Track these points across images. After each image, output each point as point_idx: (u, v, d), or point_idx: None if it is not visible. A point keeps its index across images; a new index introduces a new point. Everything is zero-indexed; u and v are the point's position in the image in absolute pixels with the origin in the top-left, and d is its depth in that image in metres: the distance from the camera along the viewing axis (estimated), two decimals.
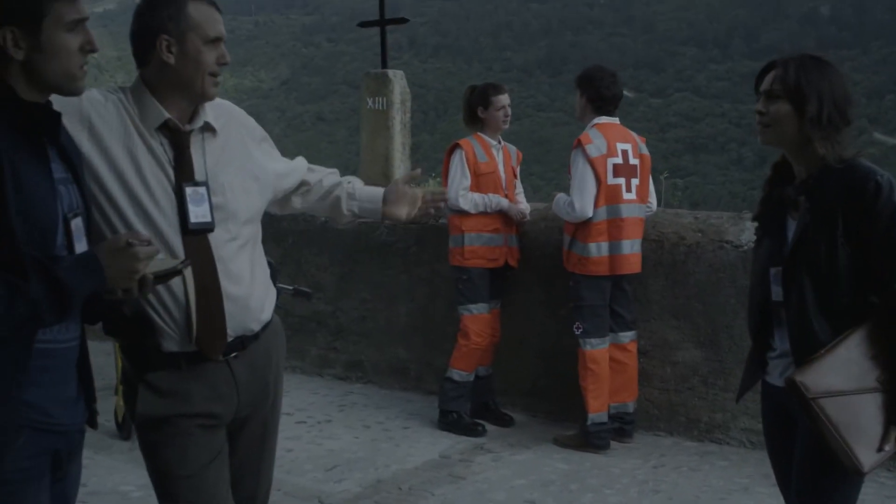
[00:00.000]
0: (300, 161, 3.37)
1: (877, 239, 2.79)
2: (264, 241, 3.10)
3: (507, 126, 6.20)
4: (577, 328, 5.74)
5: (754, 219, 3.19)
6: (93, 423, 2.60)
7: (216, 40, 2.80)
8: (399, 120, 7.95)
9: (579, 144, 5.69)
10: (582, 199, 5.61)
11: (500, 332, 6.26)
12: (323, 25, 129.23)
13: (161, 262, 2.55)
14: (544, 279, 6.29)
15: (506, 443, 5.94)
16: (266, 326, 3.03)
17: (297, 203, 3.36)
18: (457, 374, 6.11)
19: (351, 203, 3.40)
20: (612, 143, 5.70)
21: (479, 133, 6.18)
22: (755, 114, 3.00)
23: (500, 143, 6.24)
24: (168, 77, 2.77)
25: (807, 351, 2.86)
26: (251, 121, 3.14)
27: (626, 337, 5.87)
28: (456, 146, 6.14)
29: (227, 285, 2.84)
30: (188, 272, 2.61)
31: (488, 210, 6.01)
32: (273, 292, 3.10)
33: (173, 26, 2.73)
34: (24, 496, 2.33)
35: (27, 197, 2.22)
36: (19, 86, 2.31)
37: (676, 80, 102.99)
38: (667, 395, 6.00)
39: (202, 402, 2.88)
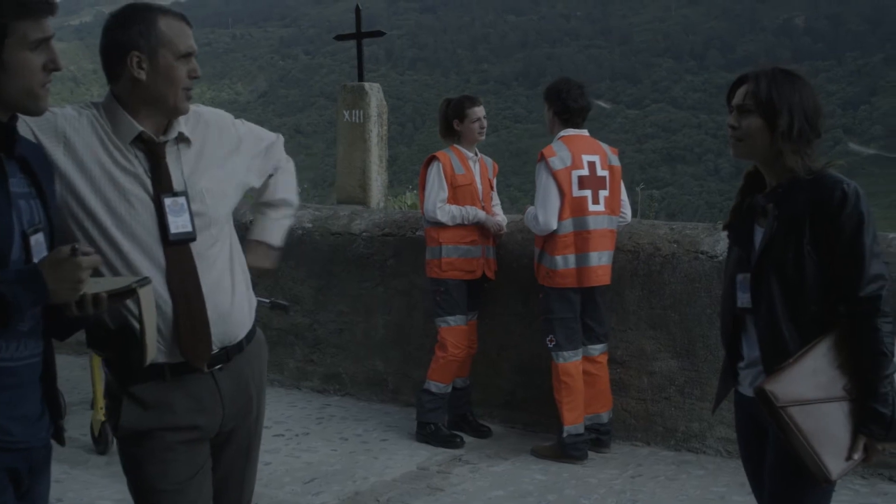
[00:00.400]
0: (275, 178, 3.35)
1: (842, 247, 2.83)
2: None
3: (482, 138, 6.22)
4: (550, 341, 5.75)
5: (725, 227, 3.23)
6: (59, 439, 2.58)
7: (187, 55, 2.80)
8: (376, 133, 7.97)
9: (542, 157, 5.71)
10: (545, 213, 5.62)
11: (478, 343, 6.27)
12: (300, 38, 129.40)
13: (119, 280, 2.55)
14: (522, 291, 6.30)
15: (483, 454, 5.95)
16: (250, 339, 3.04)
17: None
18: (434, 385, 6.12)
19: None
20: (577, 155, 5.70)
21: (455, 145, 6.20)
22: (728, 128, 3.03)
23: (476, 155, 6.26)
24: (140, 92, 2.77)
25: (777, 358, 2.89)
26: (229, 124, 3.12)
27: (596, 350, 5.87)
28: (433, 158, 6.15)
29: (210, 292, 2.84)
30: (144, 291, 2.51)
31: (465, 222, 6.03)
32: (254, 299, 3.11)
33: (144, 42, 2.73)
34: None
35: None
36: None
37: (653, 92, 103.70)
38: (644, 405, 6.03)
39: (187, 415, 2.87)
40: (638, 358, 6.02)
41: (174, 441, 2.86)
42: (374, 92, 8.01)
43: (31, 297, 2.23)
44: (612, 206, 5.82)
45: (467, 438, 6.17)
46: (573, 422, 5.71)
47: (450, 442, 6.08)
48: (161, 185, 2.79)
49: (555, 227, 5.62)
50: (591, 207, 5.70)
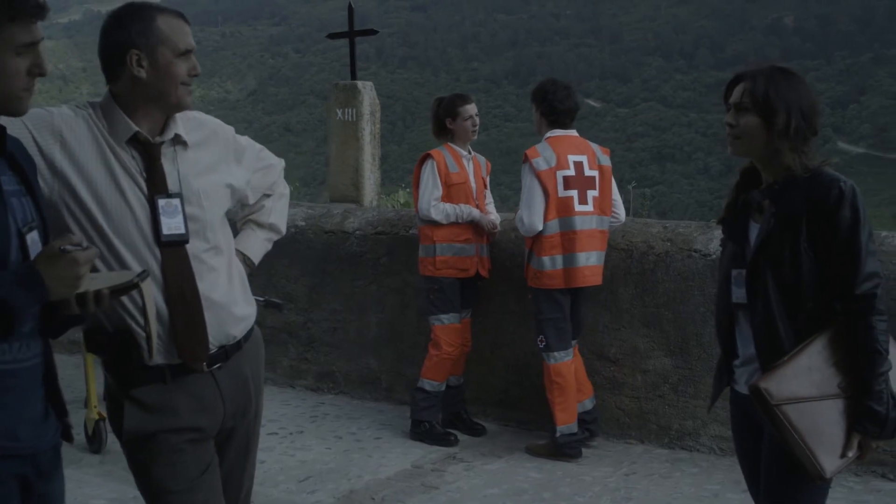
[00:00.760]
0: (271, 202, 3.35)
1: (838, 245, 2.84)
2: None
3: (475, 136, 6.23)
4: (541, 342, 5.76)
5: (719, 222, 3.24)
6: (67, 437, 2.56)
7: (187, 52, 2.80)
8: (369, 131, 7.97)
9: (527, 159, 5.71)
10: (530, 214, 5.62)
11: (472, 341, 6.28)
12: (290, 36, 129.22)
13: (118, 275, 2.54)
14: (515, 289, 6.31)
15: (478, 452, 5.96)
16: (248, 336, 3.05)
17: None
18: (428, 384, 6.12)
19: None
20: (562, 155, 5.70)
21: (449, 143, 6.20)
22: (725, 125, 3.04)
23: (470, 153, 6.27)
24: (140, 91, 2.77)
25: (772, 356, 2.91)
26: (230, 134, 3.12)
27: (573, 343, 5.89)
28: (427, 157, 6.16)
29: (206, 293, 2.85)
30: (146, 284, 2.52)
31: (460, 220, 6.03)
32: (251, 298, 3.11)
33: (143, 41, 2.73)
34: None
35: None
36: None
37: (643, 91, 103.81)
38: (637, 403, 6.04)
39: (189, 416, 2.88)
40: (631, 356, 6.04)
41: (179, 442, 2.87)
42: (367, 90, 8.01)
43: (30, 297, 2.21)
44: (603, 207, 5.82)
45: (461, 436, 6.18)
46: (566, 422, 5.72)
47: (444, 440, 6.08)
48: (155, 185, 2.79)
49: (540, 227, 5.63)
50: (578, 207, 5.69)
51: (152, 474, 2.90)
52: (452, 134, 6.19)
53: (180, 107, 2.83)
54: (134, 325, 2.75)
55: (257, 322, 3.15)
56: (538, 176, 5.63)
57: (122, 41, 2.73)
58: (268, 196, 3.31)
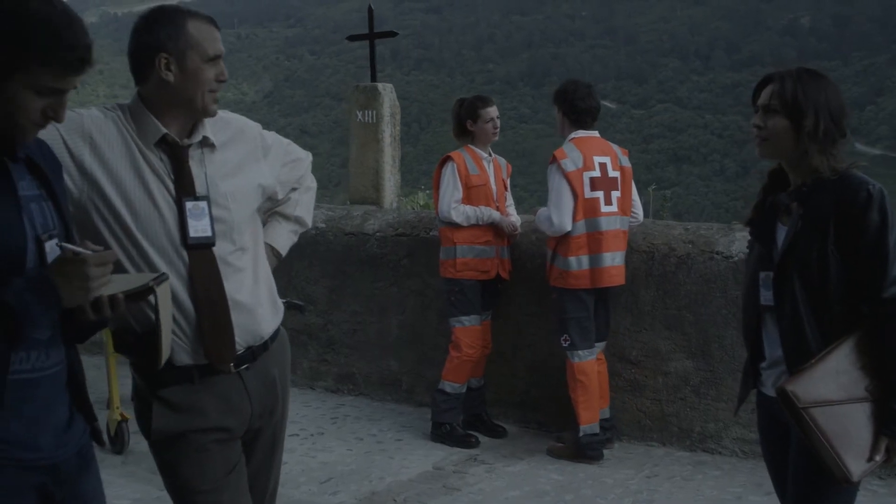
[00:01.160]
0: (298, 195, 3.36)
1: (866, 248, 2.82)
2: None
3: (496, 138, 6.23)
4: (565, 341, 5.76)
5: (747, 223, 3.23)
6: (98, 440, 2.56)
7: (215, 58, 2.81)
8: (389, 133, 7.96)
9: (555, 160, 5.72)
10: (559, 214, 5.63)
11: (492, 343, 6.27)
12: (305, 38, 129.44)
13: (137, 277, 2.52)
14: (536, 291, 6.31)
15: (499, 454, 5.95)
16: (274, 337, 3.06)
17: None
18: (449, 385, 6.13)
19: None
20: (588, 156, 5.72)
21: (469, 145, 6.21)
22: (753, 127, 3.04)
23: (490, 155, 6.27)
24: (167, 94, 2.78)
25: (799, 358, 2.89)
26: (257, 132, 3.12)
27: (599, 346, 5.91)
28: (447, 159, 6.16)
29: (232, 294, 2.85)
30: (161, 289, 2.45)
31: (480, 222, 6.03)
32: (278, 299, 3.12)
33: (172, 45, 2.74)
34: None
35: None
36: None
37: (659, 92, 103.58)
38: (659, 406, 6.03)
39: (217, 416, 2.89)
40: (653, 358, 6.03)
41: (206, 441, 2.88)
42: (387, 92, 8.01)
43: (42, 305, 2.15)
44: (624, 207, 5.85)
45: (482, 438, 6.18)
46: (589, 421, 5.71)
47: (465, 442, 6.08)
48: (183, 188, 2.80)
49: (569, 228, 5.64)
50: (604, 208, 5.73)
51: (179, 474, 2.91)
52: (473, 136, 6.20)
53: (206, 113, 2.84)
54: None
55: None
56: (567, 177, 5.64)
57: (151, 44, 2.74)
58: (294, 189, 3.32)
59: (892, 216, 2.84)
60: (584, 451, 5.73)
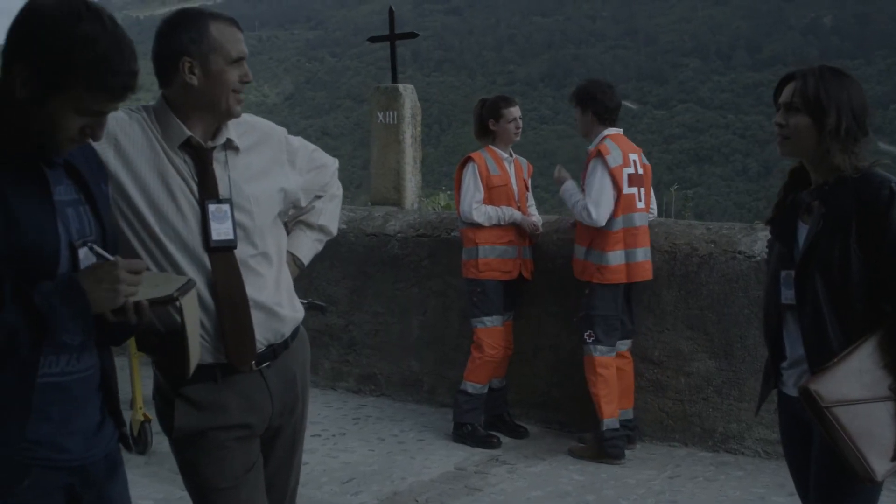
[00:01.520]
0: (322, 203, 3.35)
1: (888, 246, 2.81)
2: None
3: (518, 138, 6.24)
4: (589, 336, 5.76)
5: (768, 222, 3.22)
6: (126, 445, 2.57)
7: (239, 60, 2.82)
8: (410, 134, 7.97)
9: (599, 154, 5.73)
10: (598, 209, 5.64)
11: (514, 344, 6.27)
12: (326, 40, 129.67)
13: (164, 279, 2.53)
14: (557, 291, 6.30)
15: (521, 454, 5.95)
16: (295, 335, 3.07)
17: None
18: (471, 386, 6.13)
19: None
20: (625, 153, 5.78)
21: (490, 146, 6.21)
22: (774, 125, 3.02)
23: (511, 155, 6.27)
24: (191, 97, 2.80)
25: (821, 357, 2.88)
26: (282, 136, 3.12)
27: (625, 345, 5.93)
28: (468, 159, 6.16)
29: (253, 295, 2.87)
30: (187, 298, 2.44)
31: (502, 223, 6.04)
32: (298, 303, 3.13)
33: (195, 48, 2.75)
34: None
35: (19, 226, 2.12)
36: (10, 117, 2.20)
37: (680, 92, 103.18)
38: (681, 406, 6.01)
39: (238, 414, 2.91)
40: (675, 358, 6.01)
41: (228, 439, 2.90)
42: (408, 93, 8.02)
43: (69, 308, 2.16)
44: (647, 204, 5.95)
45: (504, 439, 6.17)
46: (610, 415, 5.73)
47: (487, 442, 6.08)
48: (207, 190, 2.82)
49: (604, 223, 5.67)
50: (638, 205, 5.81)
51: (200, 471, 2.93)
52: (494, 135, 6.20)
53: (230, 114, 2.85)
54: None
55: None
56: (611, 172, 5.66)
57: (175, 48, 2.75)
58: (319, 197, 3.32)
59: None
60: (607, 447, 5.72)
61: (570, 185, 5.88)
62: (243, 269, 2.86)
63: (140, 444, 5.90)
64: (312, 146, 3.29)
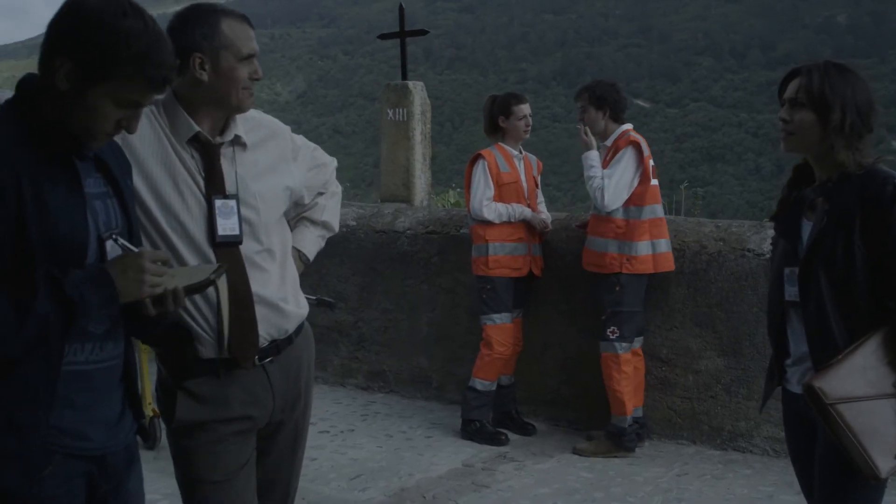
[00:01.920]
0: (324, 200, 3.39)
1: (892, 243, 2.81)
2: None
3: (527, 135, 6.24)
4: (612, 333, 5.75)
5: (772, 218, 3.21)
6: (144, 437, 2.60)
7: (249, 57, 2.83)
8: (420, 131, 7.99)
9: (631, 144, 5.75)
10: (611, 195, 5.66)
11: (523, 341, 6.28)
12: (339, 38, 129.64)
13: (195, 269, 2.57)
14: (567, 288, 6.30)
15: (528, 451, 5.96)
16: (299, 331, 3.08)
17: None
18: (479, 383, 6.13)
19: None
20: (648, 147, 5.83)
21: (500, 143, 6.21)
22: (778, 121, 3.02)
23: (521, 152, 6.27)
24: (201, 92, 2.81)
25: (825, 354, 2.87)
26: (287, 133, 3.14)
27: (638, 342, 5.93)
28: (478, 157, 6.17)
29: (259, 291, 2.88)
30: (222, 282, 2.55)
31: (512, 220, 6.04)
32: (303, 299, 3.14)
33: (207, 44, 2.77)
34: None
35: (51, 216, 2.18)
36: (48, 109, 2.26)
37: (693, 91, 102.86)
38: (689, 404, 6.01)
39: (240, 407, 2.93)
40: (683, 356, 6.01)
41: (226, 432, 2.92)
42: (418, 90, 8.03)
43: (98, 297, 2.21)
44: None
45: (512, 436, 6.18)
46: (631, 411, 5.75)
47: (495, 439, 6.09)
48: (213, 185, 2.83)
49: (609, 210, 5.69)
50: (660, 197, 5.87)
51: (193, 463, 2.95)
52: (504, 132, 6.20)
53: (240, 109, 2.87)
54: (187, 319, 2.79)
55: (308, 320, 3.18)
56: (643, 161, 5.71)
57: (186, 43, 2.75)
58: (321, 194, 3.34)
59: None
60: (625, 441, 5.73)
61: (593, 155, 5.84)
62: (248, 264, 2.87)
63: (149, 439, 5.91)
64: (313, 145, 3.32)
